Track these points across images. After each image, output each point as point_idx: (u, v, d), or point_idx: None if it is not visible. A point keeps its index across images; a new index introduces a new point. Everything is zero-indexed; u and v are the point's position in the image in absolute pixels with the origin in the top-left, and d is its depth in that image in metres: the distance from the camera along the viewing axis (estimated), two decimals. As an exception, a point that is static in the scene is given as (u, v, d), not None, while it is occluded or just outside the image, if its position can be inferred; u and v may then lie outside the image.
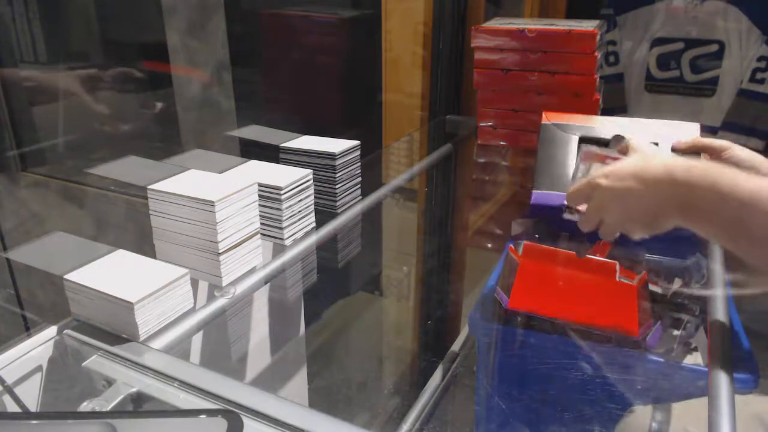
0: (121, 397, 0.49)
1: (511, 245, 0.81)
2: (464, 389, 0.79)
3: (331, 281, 0.89)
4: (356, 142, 0.86)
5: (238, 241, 0.65)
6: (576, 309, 0.68)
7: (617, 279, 0.71)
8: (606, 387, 0.62)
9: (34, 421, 0.42)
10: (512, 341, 0.66)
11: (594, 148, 0.73)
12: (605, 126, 0.82)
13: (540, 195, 0.78)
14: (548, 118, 0.84)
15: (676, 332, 0.69)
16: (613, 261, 0.75)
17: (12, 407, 0.52)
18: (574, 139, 0.82)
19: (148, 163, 0.72)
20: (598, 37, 1.03)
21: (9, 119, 1.71)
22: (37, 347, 0.56)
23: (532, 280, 0.71)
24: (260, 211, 0.69)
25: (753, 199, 0.49)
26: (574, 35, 1.03)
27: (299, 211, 0.76)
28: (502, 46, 1.10)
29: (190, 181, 0.67)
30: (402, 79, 1.33)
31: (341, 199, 0.85)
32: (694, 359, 0.65)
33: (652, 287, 0.77)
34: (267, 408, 0.47)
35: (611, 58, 1.41)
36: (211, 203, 0.61)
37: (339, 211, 0.85)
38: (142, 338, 0.55)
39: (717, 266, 0.72)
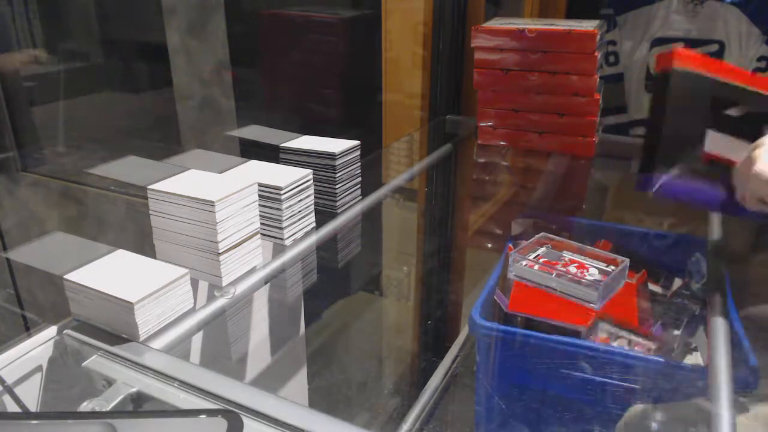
0: (121, 397, 0.49)
1: (510, 245, 0.81)
2: (464, 389, 0.79)
3: (331, 281, 0.88)
4: (356, 142, 0.86)
5: (238, 241, 0.65)
6: (575, 310, 0.68)
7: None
8: (606, 387, 0.62)
9: (34, 421, 0.42)
10: (512, 341, 0.66)
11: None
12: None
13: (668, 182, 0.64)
14: (681, 62, 0.63)
15: (676, 332, 0.69)
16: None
17: (12, 407, 0.52)
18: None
19: (148, 163, 0.72)
20: (598, 37, 1.03)
21: (9, 119, 1.71)
22: (37, 347, 0.56)
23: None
24: (260, 211, 0.69)
25: None
26: (574, 35, 1.03)
27: (299, 211, 0.76)
28: (502, 46, 1.10)
29: (190, 181, 0.67)
30: (402, 79, 1.33)
31: (341, 199, 0.85)
32: (694, 359, 0.65)
33: (652, 287, 0.77)
34: (267, 408, 0.47)
35: (611, 58, 1.41)
36: (211, 203, 0.61)
37: (339, 211, 0.85)
38: (142, 338, 0.55)
39: (717, 266, 0.72)
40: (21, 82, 1.77)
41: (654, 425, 0.62)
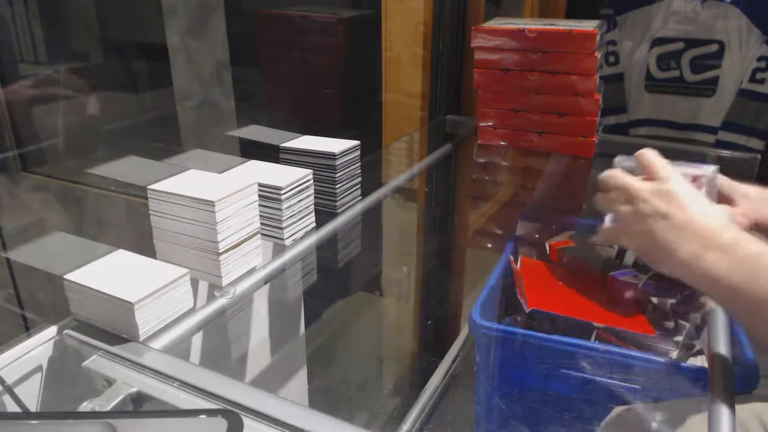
0: (121, 397, 0.49)
1: (511, 246, 0.81)
2: (464, 389, 0.79)
3: (331, 281, 0.88)
4: (356, 142, 0.86)
5: (238, 241, 0.65)
6: (592, 308, 0.69)
7: (620, 279, 0.72)
8: (606, 387, 0.62)
9: (34, 421, 0.42)
10: (512, 341, 0.66)
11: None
12: None
13: None
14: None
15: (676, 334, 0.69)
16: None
17: (12, 407, 0.52)
18: None
19: (148, 163, 0.72)
20: (598, 37, 1.03)
21: (9, 119, 1.71)
22: (37, 347, 0.56)
23: (541, 286, 0.72)
24: (260, 211, 0.69)
25: None
26: (574, 35, 1.03)
27: (299, 211, 0.76)
28: (502, 46, 1.10)
29: (190, 181, 0.67)
30: (402, 79, 1.33)
31: (341, 199, 0.85)
32: (695, 359, 0.65)
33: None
34: (267, 408, 0.47)
35: (611, 58, 1.41)
36: (211, 203, 0.61)
37: (339, 211, 0.85)
38: (142, 338, 0.55)
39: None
40: (21, 82, 1.77)
41: (654, 425, 0.62)
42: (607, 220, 0.65)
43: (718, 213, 0.56)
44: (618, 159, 0.66)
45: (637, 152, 0.62)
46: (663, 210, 0.55)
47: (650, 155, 0.60)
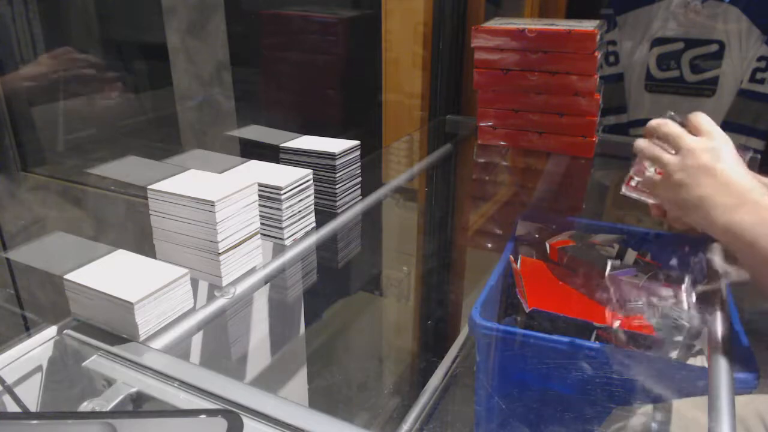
0: (121, 397, 0.49)
1: (511, 255, 0.81)
2: (464, 389, 0.79)
3: (331, 281, 0.88)
4: (356, 142, 0.86)
5: (238, 241, 0.65)
6: (592, 308, 0.69)
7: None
8: (606, 387, 0.62)
9: (34, 421, 0.42)
10: (512, 341, 0.66)
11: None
12: None
13: None
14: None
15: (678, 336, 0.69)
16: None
17: (12, 407, 0.52)
18: None
19: (148, 163, 0.72)
20: (598, 37, 1.03)
21: (9, 119, 1.71)
22: (37, 347, 0.56)
23: (541, 286, 0.72)
24: (260, 211, 0.69)
25: None
26: (574, 35, 1.03)
27: (299, 211, 0.76)
28: (502, 46, 1.10)
29: (190, 181, 0.67)
30: (402, 79, 1.33)
31: (341, 199, 0.85)
32: (695, 360, 0.65)
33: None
34: (267, 408, 0.47)
35: (611, 58, 1.41)
36: (211, 203, 0.61)
37: (339, 211, 0.85)
38: (142, 338, 0.55)
39: (718, 266, 0.72)
40: (20, 82, 1.77)
41: (654, 425, 0.62)
42: (632, 171, 0.69)
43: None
44: (670, 114, 0.67)
45: (691, 114, 0.64)
46: (709, 164, 0.58)
47: (703, 117, 0.63)
